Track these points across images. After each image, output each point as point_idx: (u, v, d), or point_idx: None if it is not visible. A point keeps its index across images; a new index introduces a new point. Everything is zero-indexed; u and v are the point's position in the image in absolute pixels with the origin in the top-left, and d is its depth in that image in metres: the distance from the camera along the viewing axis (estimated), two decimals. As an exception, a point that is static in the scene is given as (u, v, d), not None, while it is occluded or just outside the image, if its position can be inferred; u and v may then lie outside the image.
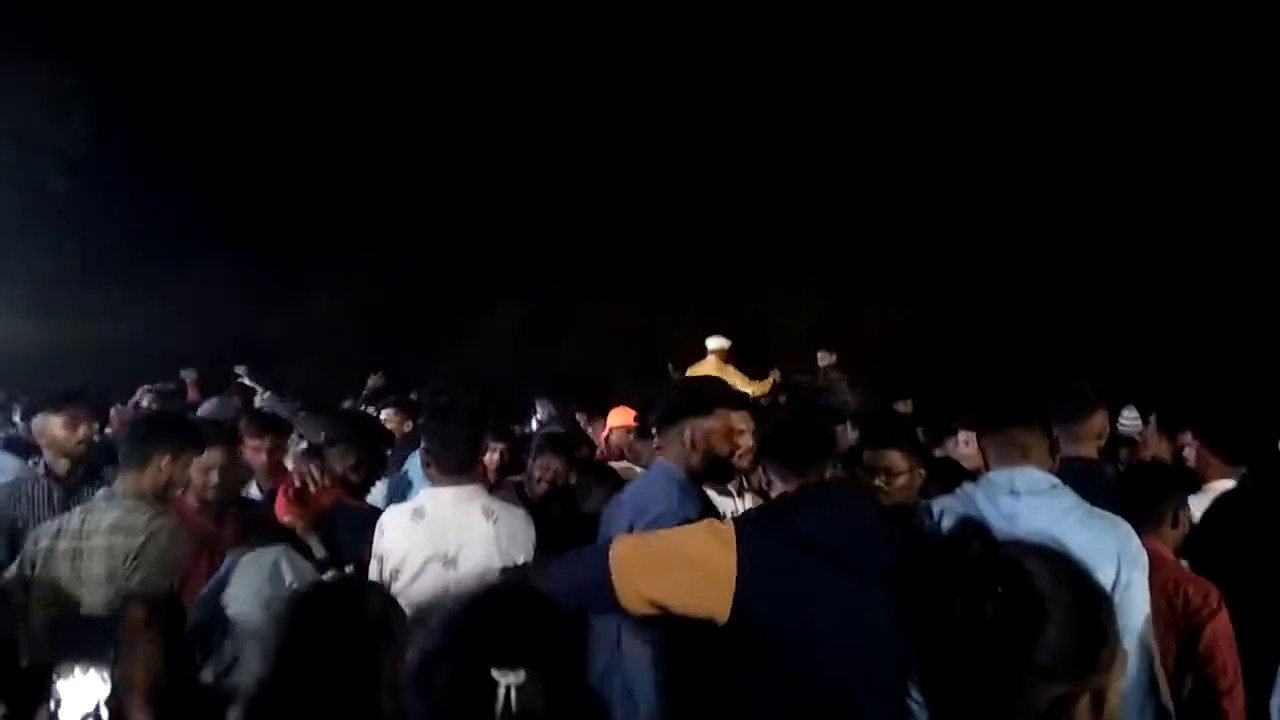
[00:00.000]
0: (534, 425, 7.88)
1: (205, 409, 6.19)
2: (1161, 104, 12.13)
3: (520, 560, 3.00)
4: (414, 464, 3.99)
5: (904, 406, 8.28)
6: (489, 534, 3.06)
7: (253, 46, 11.97)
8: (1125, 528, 2.60)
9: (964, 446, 4.58)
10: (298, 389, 8.46)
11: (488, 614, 1.46)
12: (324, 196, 12.37)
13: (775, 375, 8.92)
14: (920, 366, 11.18)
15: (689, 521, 2.54)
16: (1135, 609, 2.47)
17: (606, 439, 5.92)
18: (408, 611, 1.99)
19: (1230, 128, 11.87)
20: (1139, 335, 11.11)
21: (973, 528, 1.12)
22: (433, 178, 12.74)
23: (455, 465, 3.14)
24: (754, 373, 8.91)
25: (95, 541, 3.10)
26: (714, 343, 8.80)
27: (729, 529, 2.29)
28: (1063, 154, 12.64)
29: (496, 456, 4.57)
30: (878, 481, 3.36)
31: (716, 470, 2.95)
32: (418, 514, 3.12)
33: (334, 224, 12.35)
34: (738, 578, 2.17)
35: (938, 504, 2.78)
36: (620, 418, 5.86)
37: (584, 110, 13.09)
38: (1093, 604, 1.22)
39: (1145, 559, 2.54)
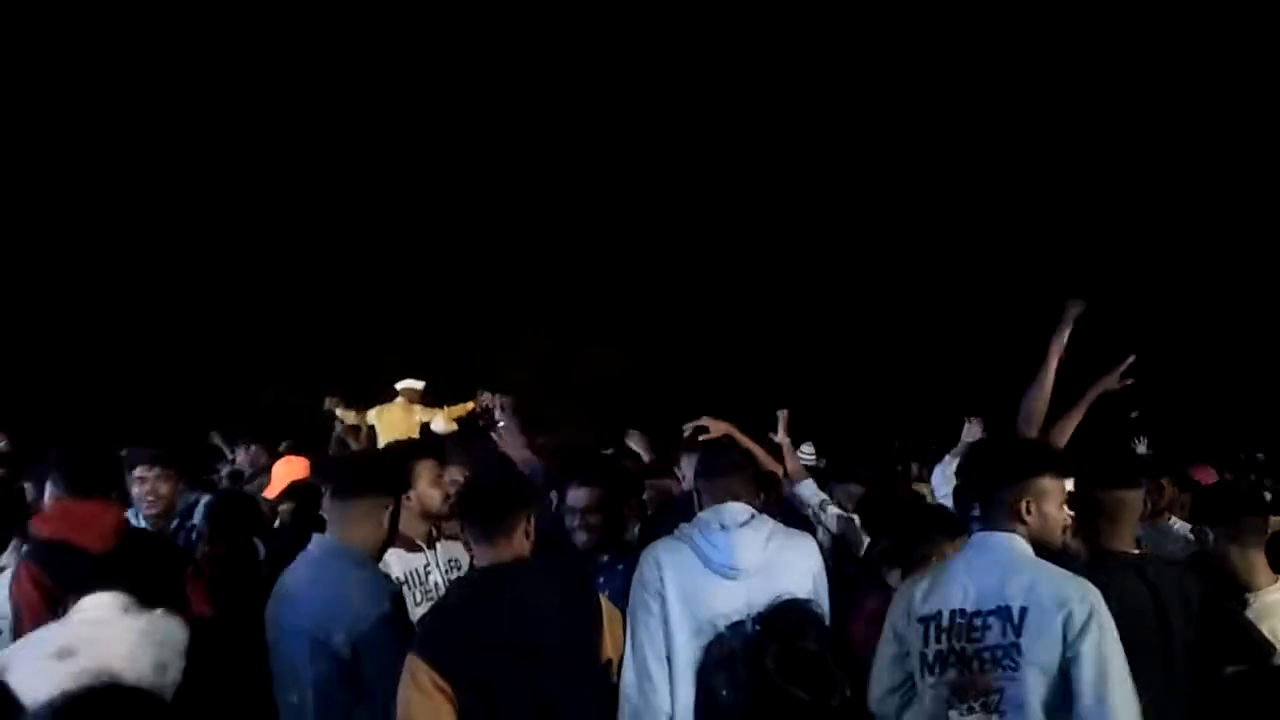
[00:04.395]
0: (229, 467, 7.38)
1: None
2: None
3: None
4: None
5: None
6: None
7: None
8: (810, 540, 3.08)
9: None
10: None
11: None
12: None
13: (485, 399, 8.49)
14: (635, 407, 11.69)
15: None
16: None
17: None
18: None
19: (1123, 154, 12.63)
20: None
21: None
22: (120, 218, 11.69)
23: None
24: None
25: None
26: (403, 384, 8.43)
27: (426, 671, 2.37)
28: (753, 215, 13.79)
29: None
30: (576, 522, 3.41)
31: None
32: None
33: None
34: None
35: (660, 546, 2.94)
36: (289, 469, 5.37)
37: (305, 152, 12.61)
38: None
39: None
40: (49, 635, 2.66)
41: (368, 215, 13.06)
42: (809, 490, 4.39)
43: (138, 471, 3.76)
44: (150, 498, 3.76)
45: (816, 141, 13.45)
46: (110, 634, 2.63)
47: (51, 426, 7.64)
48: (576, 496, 3.42)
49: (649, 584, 2.84)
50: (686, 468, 3.30)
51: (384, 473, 3.06)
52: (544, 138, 13.57)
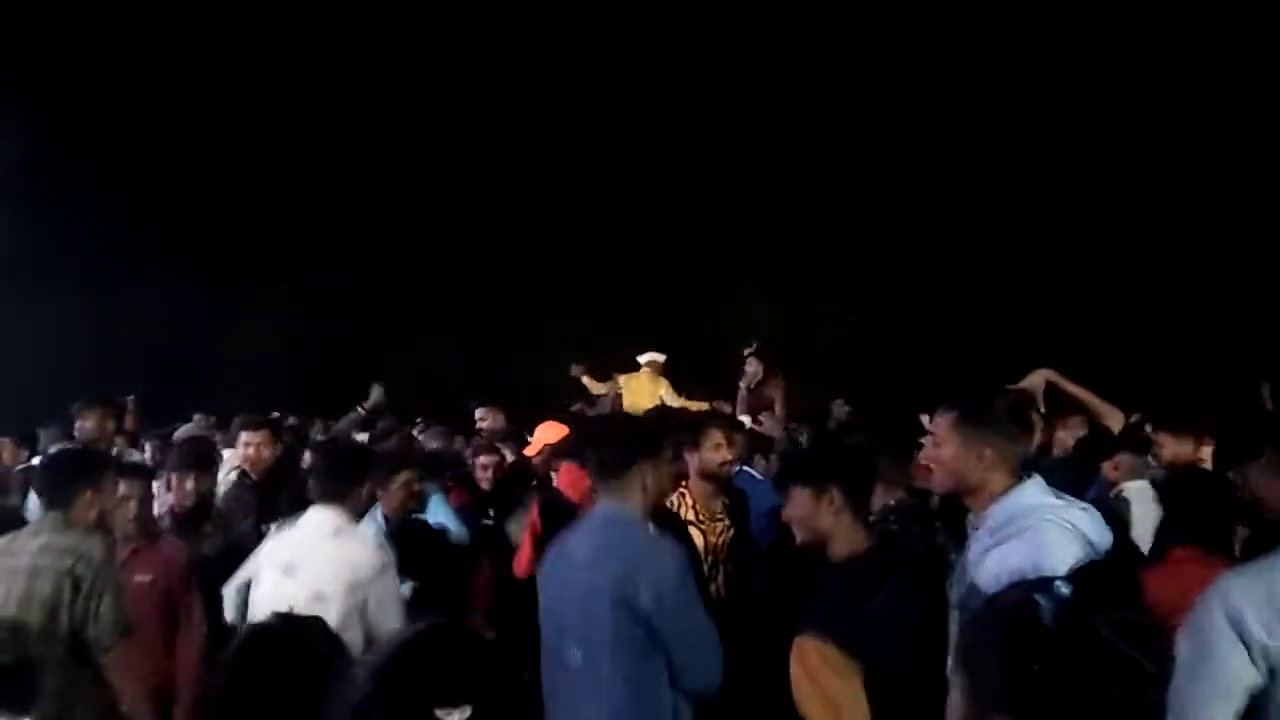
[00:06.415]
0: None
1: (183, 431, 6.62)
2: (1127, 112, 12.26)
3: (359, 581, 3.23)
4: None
5: (839, 409, 8.48)
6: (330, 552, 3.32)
7: (186, 58, 11.64)
8: None
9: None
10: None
11: (419, 656, 1.47)
12: (263, 214, 12.09)
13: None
14: (870, 372, 11.26)
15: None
16: None
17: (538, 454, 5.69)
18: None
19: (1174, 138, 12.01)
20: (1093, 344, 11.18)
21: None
22: (379, 193, 12.55)
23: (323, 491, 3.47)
24: (705, 386, 8.94)
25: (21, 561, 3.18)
26: (647, 357, 8.96)
27: (837, 655, 2.51)
28: (1014, 163, 12.76)
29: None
30: None
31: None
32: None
33: (274, 242, 12.07)
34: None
35: None
36: (549, 433, 5.65)
37: (537, 125, 12.98)
38: None
39: None
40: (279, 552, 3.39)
41: (610, 183, 13.25)
42: None
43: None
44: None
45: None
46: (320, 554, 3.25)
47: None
48: None
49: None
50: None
51: (646, 439, 3.21)
52: (772, 95, 13.20)
